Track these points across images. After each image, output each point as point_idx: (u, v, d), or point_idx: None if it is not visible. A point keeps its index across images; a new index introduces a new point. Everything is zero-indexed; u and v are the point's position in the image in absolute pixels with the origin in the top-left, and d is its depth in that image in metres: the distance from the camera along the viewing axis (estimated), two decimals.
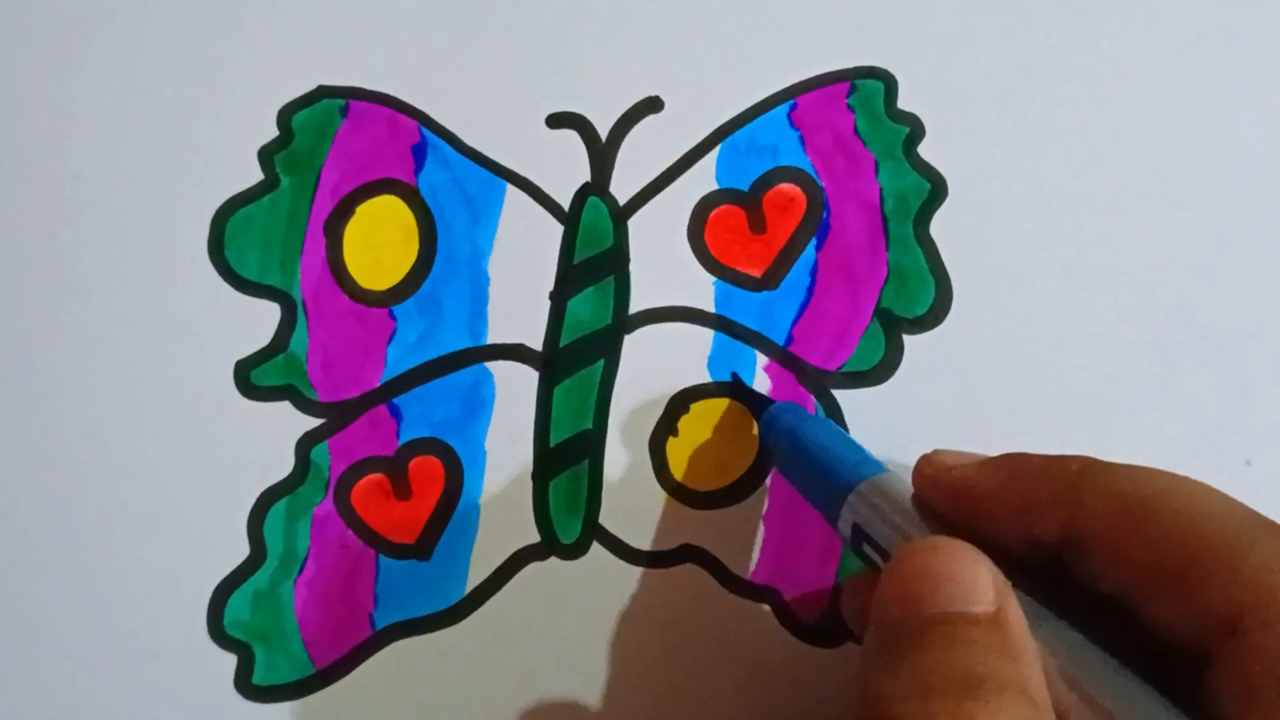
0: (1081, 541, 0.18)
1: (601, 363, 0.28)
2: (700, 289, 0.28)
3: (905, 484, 0.21)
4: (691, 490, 0.27)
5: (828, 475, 0.22)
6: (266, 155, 0.29)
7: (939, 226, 0.28)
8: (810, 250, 0.28)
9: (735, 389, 0.27)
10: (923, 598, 0.16)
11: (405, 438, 0.28)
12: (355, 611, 0.27)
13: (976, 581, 0.16)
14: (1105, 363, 0.27)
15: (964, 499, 0.19)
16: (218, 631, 0.27)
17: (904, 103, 0.29)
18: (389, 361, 0.28)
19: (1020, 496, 0.19)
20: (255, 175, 0.29)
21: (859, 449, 0.23)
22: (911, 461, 0.27)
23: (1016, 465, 0.19)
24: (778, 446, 0.24)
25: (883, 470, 0.21)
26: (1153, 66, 0.29)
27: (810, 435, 0.23)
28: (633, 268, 0.28)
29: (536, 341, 0.28)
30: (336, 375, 0.28)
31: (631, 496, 0.27)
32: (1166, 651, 0.17)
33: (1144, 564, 0.17)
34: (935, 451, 0.21)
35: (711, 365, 0.28)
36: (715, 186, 0.28)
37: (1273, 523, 0.16)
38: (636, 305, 0.28)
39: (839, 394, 0.27)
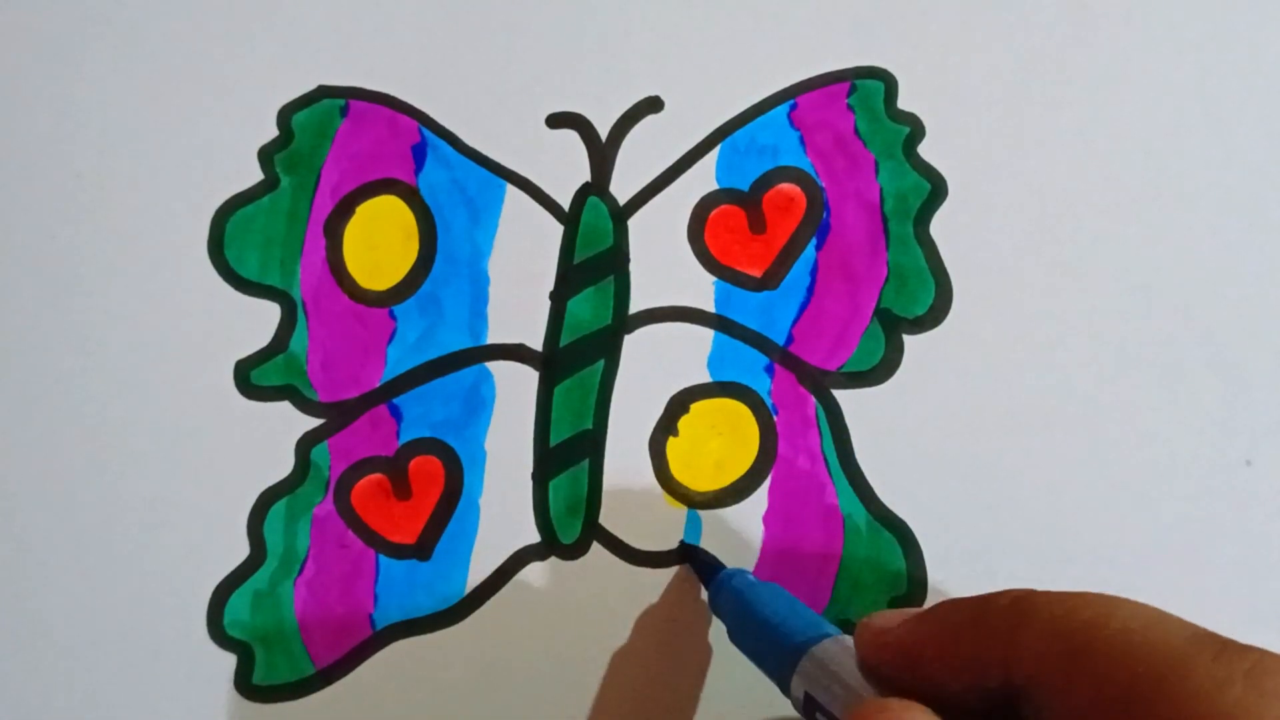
0: (1024, 685, 0.17)
1: (601, 363, 0.28)
2: (700, 289, 0.28)
3: (852, 649, 0.21)
4: (691, 490, 0.27)
5: (776, 641, 0.22)
6: (266, 155, 0.29)
7: (939, 226, 0.28)
8: (810, 250, 0.28)
9: (684, 555, 0.27)
10: None
11: (405, 438, 0.28)
12: (355, 611, 0.27)
13: None
14: (1105, 363, 0.27)
15: (903, 660, 0.19)
16: (218, 631, 0.27)
17: (904, 103, 0.29)
18: (389, 361, 0.28)
19: (957, 648, 0.18)
20: (255, 175, 0.29)
21: (807, 614, 0.22)
22: (912, 464, 0.27)
23: (948, 615, 0.19)
24: (727, 614, 0.24)
25: (831, 635, 0.21)
26: (1153, 66, 0.29)
27: (759, 601, 0.23)
28: (633, 268, 0.28)
29: (536, 341, 0.28)
30: (336, 375, 0.28)
31: (631, 496, 0.27)
32: None
33: (1085, 701, 0.16)
34: (871, 616, 0.20)
35: (711, 365, 0.28)
36: (715, 186, 0.28)
37: (1208, 636, 0.16)
38: (636, 305, 0.28)
39: (839, 394, 0.27)
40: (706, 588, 0.25)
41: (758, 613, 0.23)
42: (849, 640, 0.21)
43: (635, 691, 0.26)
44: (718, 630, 0.27)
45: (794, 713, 0.27)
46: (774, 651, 0.22)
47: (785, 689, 0.21)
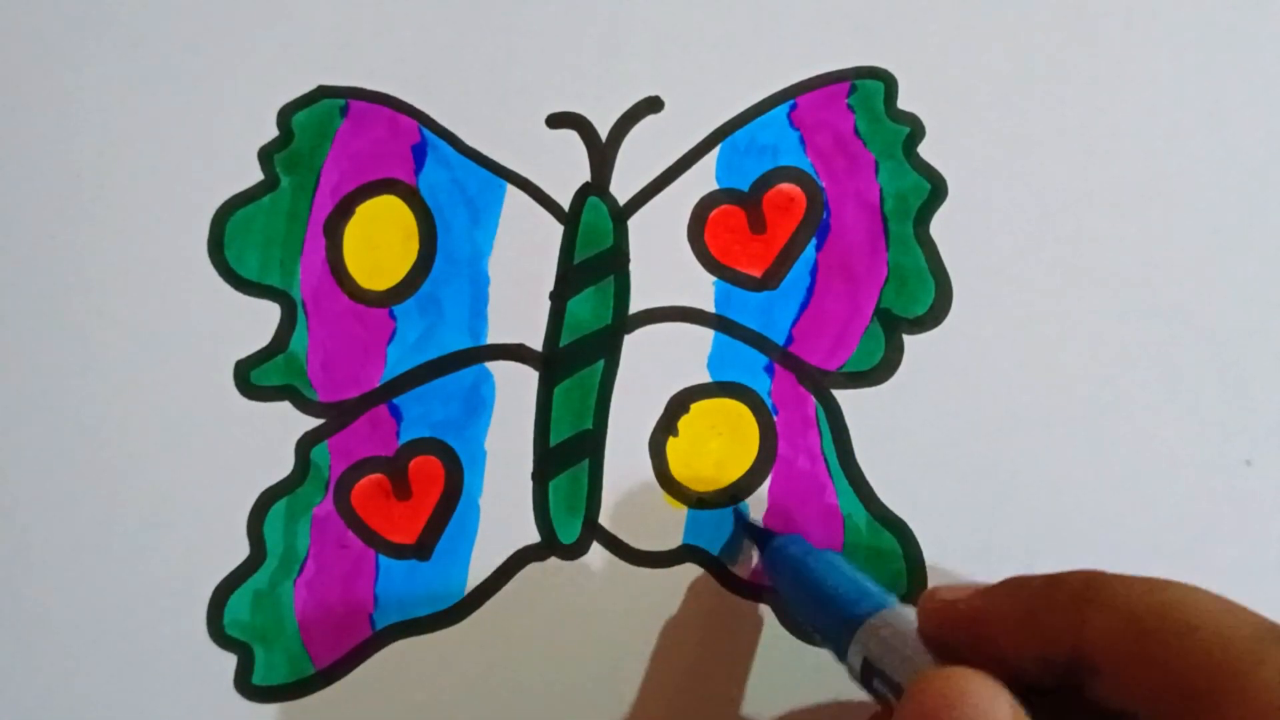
0: (1091, 663, 0.17)
1: (601, 363, 0.28)
2: (700, 289, 0.28)
3: (913, 617, 0.21)
4: (691, 490, 0.27)
5: (834, 610, 0.22)
6: (266, 155, 0.29)
7: (939, 226, 0.28)
8: (810, 250, 0.28)
9: (738, 522, 0.27)
10: None
11: (405, 438, 0.28)
12: (355, 611, 0.27)
13: (993, 712, 0.16)
14: (1105, 363, 0.27)
15: (970, 630, 0.19)
16: (218, 631, 0.27)
17: (904, 103, 0.29)
18: (389, 361, 0.28)
19: (1026, 621, 0.18)
20: (255, 175, 0.29)
21: (864, 581, 0.23)
22: (912, 464, 0.27)
23: (1018, 588, 0.19)
24: (783, 580, 0.24)
25: (890, 604, 0.21)
26: (1153, 66, 0.29)
27: (815, 569, 0.23)
28: (633, 268, 0.28)
29: (536, 341, 0.28)
30: (336, 375, 0.28)
31: (631, 496, 0.27)
32: None
33: (1153, 685, 0.16)
34: (934, 587, 0.21)
35: (711, 365, 0.28)
36: (715, 186, 0.28)
37: (1278, 629, 0.16)
38: (636, 305, 0.28)
39: (839, 394, 0.27)
40: (761, 554, 0.25)
41: (815, 580, 0.23)
42: (909, 610, 0.21)
43: (635, 691, 0.26)
44: (718, 630, 0.27)
45: (794, 715, 0.27)
46: (832, 618, 0.22)
47: (841, 655, 0.21)
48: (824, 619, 0.22)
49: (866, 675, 0.20)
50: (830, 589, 0.22)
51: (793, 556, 0.24)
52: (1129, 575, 0.18)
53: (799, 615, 0.23)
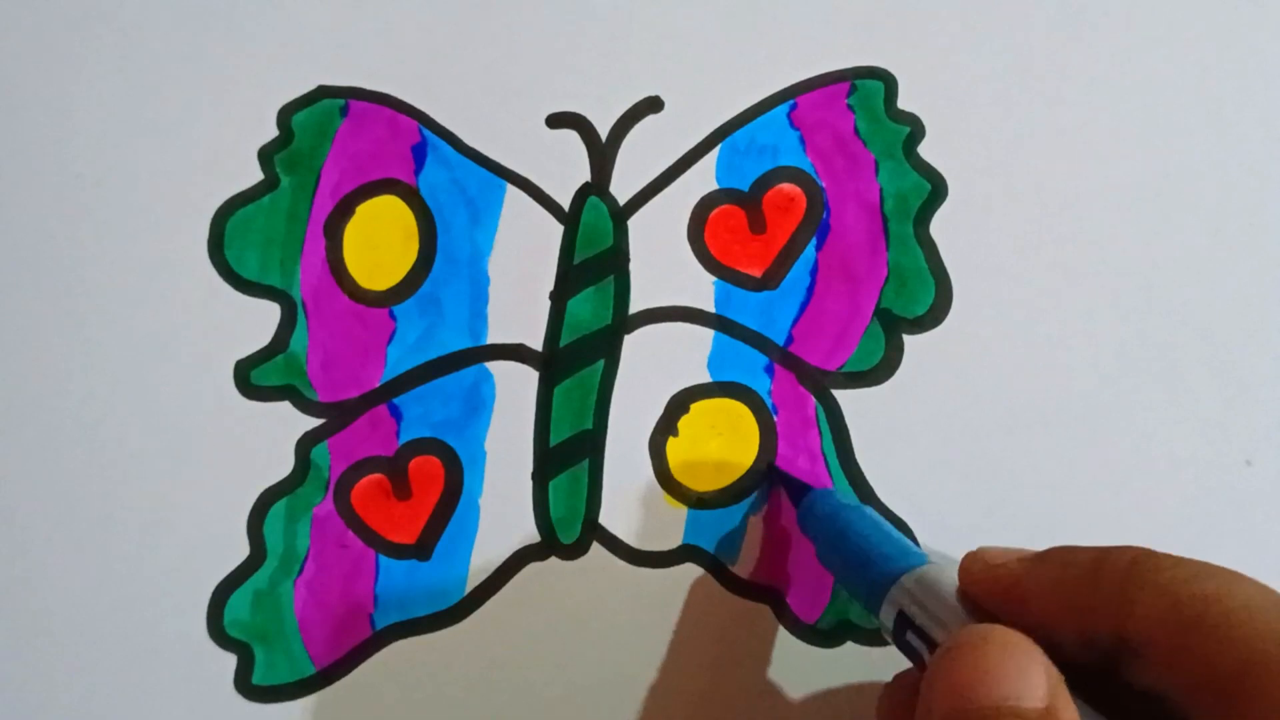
0: (1132, 644, 0.17)
1: (601, 363, 0.28)
2: (700, 289, 0.28)
3: (951, 576, 0.21)
4: (691, 490, 0.27)
5: (871, 564, 0.22)
6: (266, 155, 0.29)
7: (939, 226, 0.28)
8: (810, 250, 0.28)
9: (772, 474, 0.27)
10: (973, 688, 0.16)
11: (405, 438, 0.28)
12: (355, 611, 0.27)
13: (1029, 675, 0.16)
14: (1105, 363, 0.27)
15: (1011, 596, 0.19)
16: (218, 631, 0.27)
17: (904, 103, 0.29)
18: (389, 361, 0.28)
19: (1069, 596, 0.18)
20: (255, 175, 0.29)
21: (902, 538, 0.23)
22: (912, 464, 0.27)
23: (1065, 561, 0.19)
24: (817, 534, 0.24)
25: (927, 561, 0.21)
26: (1153, 66, 0.29)
27: (851, 523, 0.23)
28: (633, 268, 0.28)
29: (536, 341, 0.28)
30: (336, 375, 0.28)
31: (631, 496, 0.27)
32: None
33: (1195, 672, 0.16)
34: (980, 549, 0.20)
35: (711, 365, 0.28)
36: (715, 186, 0.28)
37: None
38: (636, 305, 0.28)
39: (839, 394, 0.27)
40: (796, 507, 0.25)
41: (851, 534, 0.23)
42: (949, 569, 0.21)
43: (635, 691, 0.26)
44: (718, 630, 0.27)
45: (794, 715, 0.27)
46: (867, 571, 0.22)
47: (875, 609, 0.21)
48: (858, 572, 0.22)
49: (900, 630, 0.20)
50: (866, 544, 0.22)
51: (828, 510, 0.24)
52: (1176, 557, 0.18)
53: (833, 569, 0.23)
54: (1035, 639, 0.17)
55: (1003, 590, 0.19)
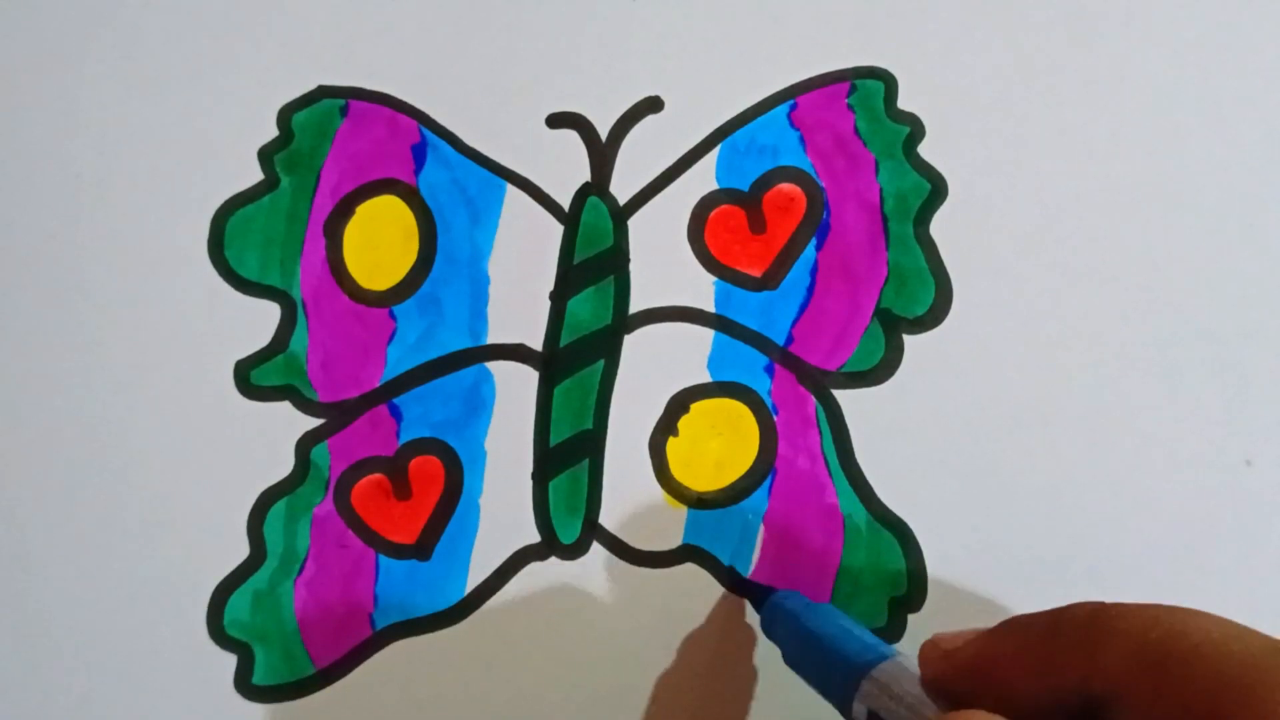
0: (1103, 697, 0.17)
1: (601, 363, 0.28)
2: (700, 289, 0.28)
3: (916, 667, 0.21)
4: (691, 490, 0.27)
5: (836, 663, 0.22)
6: (266, 155, 0.29)
7: (939, 226, 0.28)
8: (810, 250, 0.28)
9: (733, 581, 0.27)
10: None
11: (405, 438, 0.28)
12: (355, 611, 0.27)
13: None
14: (1105, 363, 0.27)
15: (976, 675, 0.19)
16: (218, 631, 0.27)
17: (904, 103, 0.29)
18: (389, 361, 0.28)
19: (1033, 661, 0.18)
20: (255, 175, 0.29)
21: (865, 634, 0.23)
22: (912, 464, 0.27)
23: (1022, 630, 0.19)
24: (782, 636, 0.24)
25: (892, 655, 0.21)
26: (1153, 66, 0.29)
27: (814, 623, 0.23)
28: (633, 268, 0.28)
29: (536, 341, 0.28)
30: (336, 375, 0.28)
31: (631, 496, 0.27)
32: None
33: (1170, 711, 0.16)
34: (934, 636, 0.20)
35: (711, 365, 0.28)
36: (715, 186, 0.28)
37: None
38: (636, 305, 0.28)
39: (839, 394, 0.27)
40: (758, 611, 0.26)
41: (815, 634, 0.23)
42: (911, 659, 0.21)
43: (635, 691, 0.26)
44: (718, 630, 0.27)
45: (794, 715, 0.27)
46: (834, 673, 0.22)
47: (846, 711, 0.21)
48: (826, 673, 0.22)
49: None
50: (831, 642, 0.22)
51: (790, 611, 0.24)
52: (1132, 605, 0.18)
53: (800, 670, 0.23)
54: (1007, 711, 0.17)
55: (965, 671, 0.19)
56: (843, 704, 0.21)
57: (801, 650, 0.23)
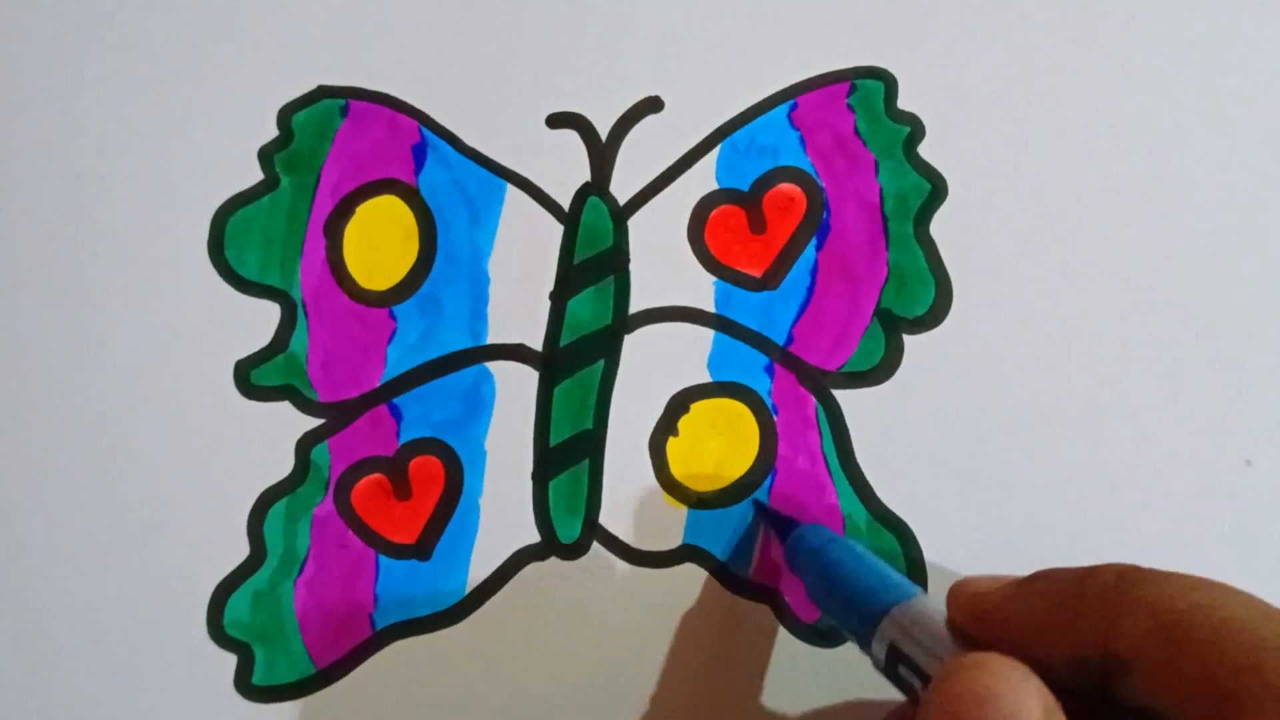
0: (1122, 661, 0.17)
1: (601, 363, 0.28)
2: (700, 289, 0.28)
3: (940, 607, 0.21)
4: (691, 490, 0.27)
5: (860, 598, 0.22)
6: (266, 155, 0.29)
7: (939, 226, 0.28)
8: (810, 250, 0.28)
9: (759, 511, 0.27)
10: (969, 717, 0.16)
11: (405, 438, 0.28)
12: (355, 611, 0.27)
13: (1025, 699, 0.16)
14: (1105, 363, 0.27)
15: (1000, 623, 0.19)
16: (218, 631, 0.27)
17: (904, 103, 0.29)
18: (389, 361, 0.28)
19: (1057, 616, 0.18)
20: (255, 175, 0.29)
21: (889, 571, 0.23)
22: (912, 464, 0.27)
23: (1050, 583, 0.19)
24: (805, 569, 0.24)
25: (916, 594, 0.21)
26: (1153, 66, 0.29)
27: (839, 558, 0.23)
28: (633, 268, 0.28)
29: (536, 341, 0.28)
30: (336, 375, 0.28)
31: (631, 496, 0.27)
32: None
33: (1187, 685, 0.16)
34: (966, 578, 0.20)
35: (711, 365, 0.28)
36: (715, 186, 0.28)
37: None
38: (636, 305, 0.28)
39: (839, 394, 0.27)
40: (782, 543, 0.25)
41: (840, 567, 0.23)
42: (937, 600, 0.21)
43: (635, 691, 0.26)
44: (718, 630, 0.27)
45: (794, 715, 0.27)
46: (857, 605, 0.22)
47: (865, 644, 0.21)
48: (848, 607, 0.22)
49: (891, 664, 0.20)
50: (855, 577, 0.22)
51: (815, 545, 0.24)
52: (1161, 572, 0.18)
53: (822, 603, 0.23)
54: (1027, 663, 0.17)
55: (990, 617, 0.19)
56: (862, 639, 0.21)
57: (824, 584, 0.23)
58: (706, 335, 0.28)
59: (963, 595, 0.20)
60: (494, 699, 0.26)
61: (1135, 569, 0.18)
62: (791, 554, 0.25)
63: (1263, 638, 0.16)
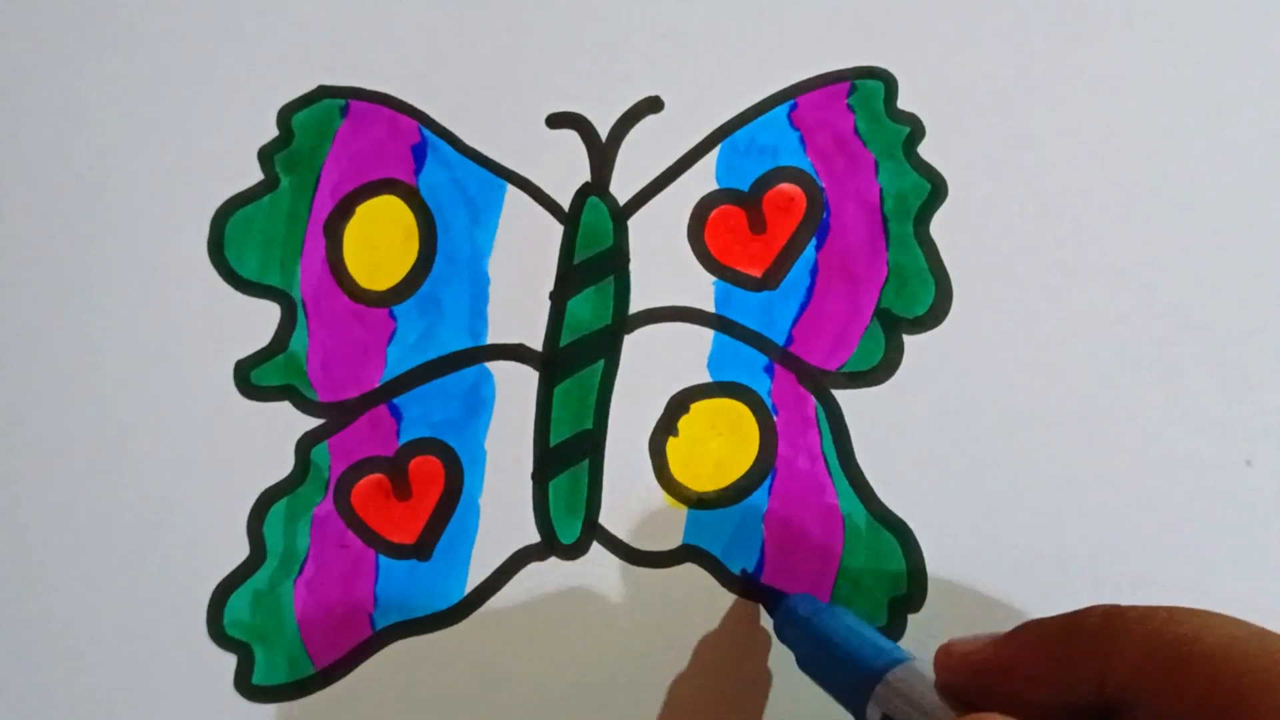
0: (1118, 700, 0.17)
1: (601, 363, 0.28)
2: (700, 289, 0.28)
3: (930, 671, 0.21)
4: (691, 490, 0.27)
5: (851, 667, 0.22)
6: (266, 155, 0.29)
7: (939, 226, 0.28)
8: (810, 250, 0.28)
9: (746, 586, 0.27)
10: None
11: (405, 438, 0.28)
12: (355, 611, 0.27)
13: None
14: (1105, 363, 0.27)
15: (991, 678, 0.19)
16: (218, 631, 0.27)
17: (904, 103, 0.29)
18: (389, 361, 0.28)
19: (1049, 664, 0.18)
20: (255, 175, 0.29)
21: (878, 637, 0.23)
22: (912, 464, 0.27)
23: (1036, 633, 0.19)
24: (796, 640, 0.24)
25: (906, 659, 0.21)
26: (1153, 66, 0.29)
27: (828, 627, 0.23)
28: (633, 268, 0.28)
29: (536, 341, 0.28)
30: (336, 375, 0.28)
31: (631, 496, 0.27)
32: None
33: (1190, 711, 0.16)
34: (949, 642, 0.20)
35: (711, 365, 0.28)
36: (715, 186, 0.28)
37: None
38: (636, 305, 0.28)
39: (839, 394, 0.27)
40: (772, 615, 0.26)
41: (829, 639, 0.23)
42: (925, 664, 0.21)
43: (635, 691, 0.26)
44: (718, 630, 0.27)
45: (794, 715, 0.27)
46: (848, 677, 0.22)
47: (860, 715, 0.21)
48: (840, 677, 0.22)
49: None
50: (844, 646, 0.22)
51: (804, 615, 0.24)
52: (1146, 607, 0.18)
53: (814, 674, 0.23)
54: (1022, 714, 0.17)
55: (981, 674, 0.19)
56: (856, 708, 0.21)
57: (815, 654, 0.23)
58: (706, 335, 0.28)
59: (951, 657, 0.20)
60: (494, 699, 0.26)
61: (1118, 607, 0.18)
62: (781, 627, 0.25)
63: (1257, 657, 0.16)
